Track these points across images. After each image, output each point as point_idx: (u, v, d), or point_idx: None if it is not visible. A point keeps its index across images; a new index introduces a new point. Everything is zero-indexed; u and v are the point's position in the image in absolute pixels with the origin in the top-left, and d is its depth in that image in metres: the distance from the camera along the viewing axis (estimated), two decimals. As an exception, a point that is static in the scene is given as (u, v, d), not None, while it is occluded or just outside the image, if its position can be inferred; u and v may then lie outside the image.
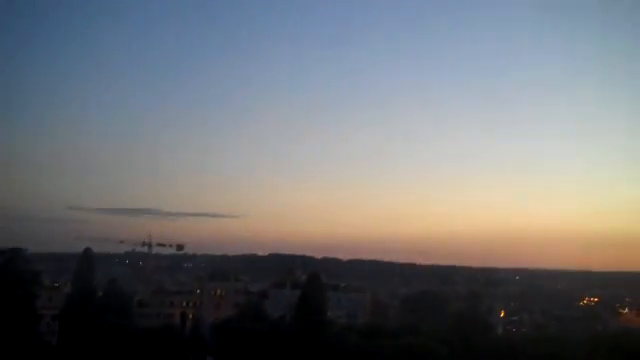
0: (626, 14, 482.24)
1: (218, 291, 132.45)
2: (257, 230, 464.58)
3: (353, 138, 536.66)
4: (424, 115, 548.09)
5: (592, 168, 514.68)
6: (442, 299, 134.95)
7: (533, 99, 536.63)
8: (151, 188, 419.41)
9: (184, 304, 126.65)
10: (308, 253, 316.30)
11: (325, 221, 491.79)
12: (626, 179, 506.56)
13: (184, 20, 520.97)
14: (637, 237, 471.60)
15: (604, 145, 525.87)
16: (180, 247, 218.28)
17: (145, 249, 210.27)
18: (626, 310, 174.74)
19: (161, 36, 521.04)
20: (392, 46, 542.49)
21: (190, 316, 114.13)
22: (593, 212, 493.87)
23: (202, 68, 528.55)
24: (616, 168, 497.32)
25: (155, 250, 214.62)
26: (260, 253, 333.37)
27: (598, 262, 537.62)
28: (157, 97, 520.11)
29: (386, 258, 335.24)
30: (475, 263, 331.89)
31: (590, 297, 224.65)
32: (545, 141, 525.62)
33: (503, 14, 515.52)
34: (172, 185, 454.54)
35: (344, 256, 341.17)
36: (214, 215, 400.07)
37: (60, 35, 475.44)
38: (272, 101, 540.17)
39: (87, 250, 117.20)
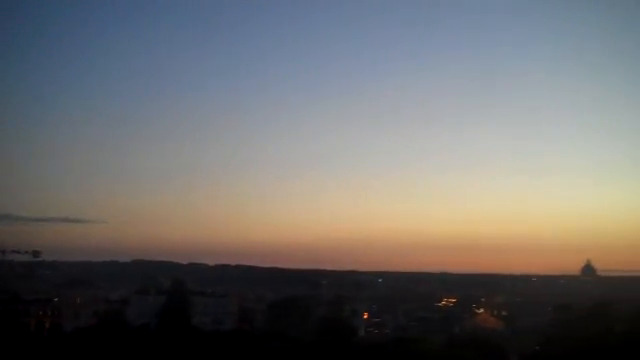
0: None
1: (77, 299, 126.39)
2: (120, 236, 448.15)
3: (213, 143, 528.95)
4: (280, 119, 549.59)
5: (444, 172, 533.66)
6: (308, 303, 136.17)
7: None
8: (5, 192, 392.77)
9: (40, 313, 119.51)
10: (174, 259, 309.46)
11: (191, 226, 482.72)
12: (478, 183, 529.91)
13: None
14: (490, 240, 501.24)
15: (455, 145, 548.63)
16: (37, 254, 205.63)
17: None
18: (482, 310, 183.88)
19: None
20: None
21: (47, 326, 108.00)
22: (448, 216, 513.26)
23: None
24: (471, 173, 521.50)
25: (9, 257, 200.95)
26: (123, 259, 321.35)
27: (455, 265, 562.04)
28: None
29: (253, 263, 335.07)
30: (341, 267, 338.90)
31: (449, 298, 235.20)
32: (404, 142, 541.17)
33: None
34: (30, 190, 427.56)
35: (211, 261, 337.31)
36: (75, 221, 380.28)
37: None
38: (133, 104, 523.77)
39: None
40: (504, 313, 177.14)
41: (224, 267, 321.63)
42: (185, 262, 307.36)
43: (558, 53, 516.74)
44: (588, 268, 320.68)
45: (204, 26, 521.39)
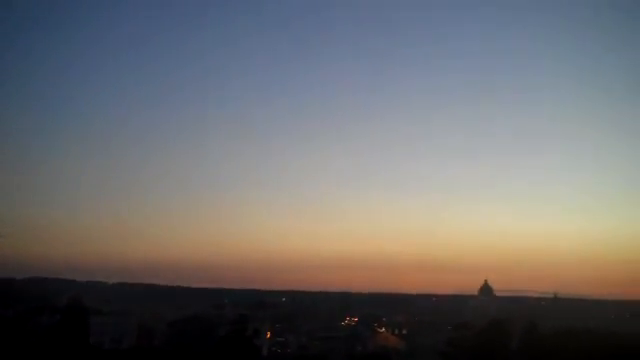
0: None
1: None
2: (15, 252, 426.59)
3: (114, 158, 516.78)
4: (179, 139, 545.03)
5: (346, 190, 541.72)
6: (211, 322, 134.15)
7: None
8: None
9: None
10: (70, 276, 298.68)
11: (90, 243, 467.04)
12: (379, 202, 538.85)
13: None
14: (392, 259, 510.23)
15: (356, 163, 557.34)
16: None
17: None
18: (383, 329, 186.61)
19: None
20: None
21: None
22: (350, 235, 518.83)
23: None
24: (373, 191, 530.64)
25: None
26: (18, 277, 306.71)
27: (357, 284, 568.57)
28: None
29: (154, 281, 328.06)
30: (244, 285, 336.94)
31: (351, 317, 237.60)
32: (306, 161, 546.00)
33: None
34: None
35: (109, 279, 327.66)
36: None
37: None
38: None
39: None
40: (404, 332, 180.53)
41: (123, 285, 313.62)
42: (83, 280, 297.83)
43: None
44: (486, 288, 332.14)
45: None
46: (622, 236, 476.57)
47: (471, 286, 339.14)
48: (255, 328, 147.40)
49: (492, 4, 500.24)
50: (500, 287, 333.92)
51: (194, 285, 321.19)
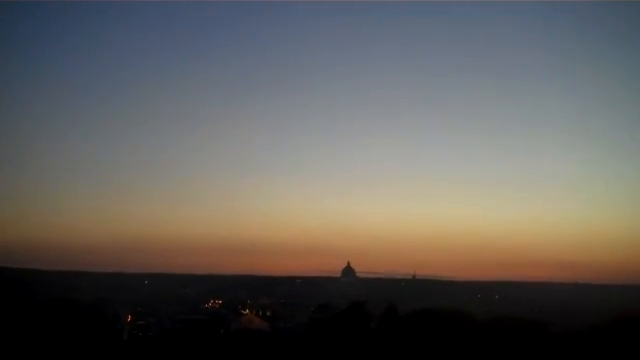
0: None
1: None
2: None
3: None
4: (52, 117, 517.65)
5: (210, 173, 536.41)
6: (67, 306, 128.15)
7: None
8: None
9: None
10: None
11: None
12: (241, 186, 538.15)
13: None
14: (255, 242, 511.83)
15: (224, 146, 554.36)
16: None
17: None
18: (247, 311, 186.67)
19: None
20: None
21: None
22: (214, 218, 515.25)
23: None
24: (235, 175, 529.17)
25: None
26: None
27: (221, 266, 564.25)
28: None
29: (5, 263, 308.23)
30: (103, 268, 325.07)
31: (215, 300, 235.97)
32: (170, 142, 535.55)
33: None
34: None
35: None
36: None
37: None
38: None
39: None
40: (269, 314, 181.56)
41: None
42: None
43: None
44: (348, 270, 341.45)
45: None
46: (476, 222, 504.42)
47: (334, 268, 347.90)
48: (115, 312, 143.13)
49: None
50: (362, 269, 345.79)
51: (46, 268, 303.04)
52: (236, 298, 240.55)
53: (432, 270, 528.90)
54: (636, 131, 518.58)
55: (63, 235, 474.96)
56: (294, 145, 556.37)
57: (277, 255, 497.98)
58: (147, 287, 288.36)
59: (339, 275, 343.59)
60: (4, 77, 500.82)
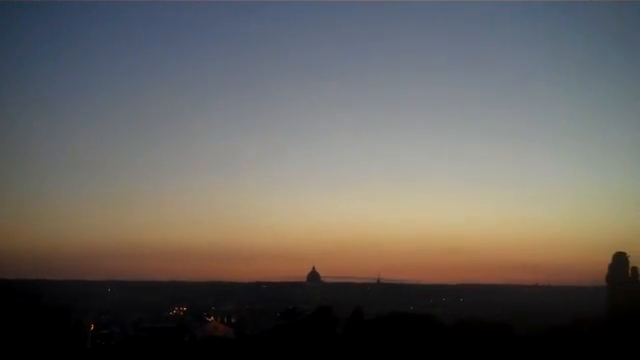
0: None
1: None
2: None
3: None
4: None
5: (167, 177, 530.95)
6: (29, 314, 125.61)
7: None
8: None
9: None
10: None
11: None
12: (204, 189, 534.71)
13: None
14: (221, 248, 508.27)
15: (184, 150, 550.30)
16: None
17: None
18: (212, 318, 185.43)
19: None
20: None
21: None
22: (174, 223, 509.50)
23: None
24: (193, 178, 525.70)
25: None
26: None
27: (185, 273, 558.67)
28: None
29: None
30: (65, 276, 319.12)
31: (180, 307, 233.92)
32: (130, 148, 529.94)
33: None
34: None
35: None
36: None
37: None
38: None
39: None
40: (234, 320, 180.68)
41: None
42: None
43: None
44: (313, 274, 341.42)
45: None
46: (440, 226, 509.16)
47: (299, 274, 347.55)
48: (77, 320, 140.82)
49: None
50: (327, 274, 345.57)
51: (5, 276, 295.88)
52: (201, 305, 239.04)
53: (397, 274, 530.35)
54: (589, 135, 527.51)
55: (23, 243, 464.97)
56: (258, 150, 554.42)
57: (242, 261, 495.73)
58: (110, 295, 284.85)
59: (304, 280, 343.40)
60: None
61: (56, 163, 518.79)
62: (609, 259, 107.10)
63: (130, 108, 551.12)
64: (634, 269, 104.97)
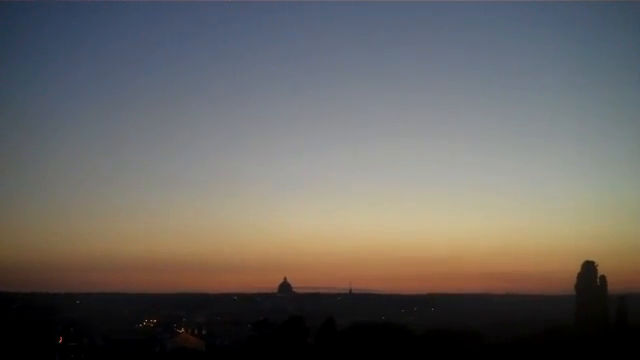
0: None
1: None
2: None
3: None
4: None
5: (142, 189, 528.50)
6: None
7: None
8: None
9: None
10: None
11: None
12: (178, 202, 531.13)
13: None
14: (191, 260, 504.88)
15: (152, 163, 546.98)
16: None
17: None
18: (182, 330, 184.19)
19: None
20: None
21: None
22: (147, 234, 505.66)
23: None
24: (170, 191, 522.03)
25: None
26: None
27: (155, 284, 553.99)
28: None
29: None
30: (32, 289, 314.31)
31: (150, 319, 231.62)
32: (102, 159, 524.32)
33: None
34: None
35: None
36: None
37: None
38: None
39: None
40: (204, 332, 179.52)
41: None
42: None
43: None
44: (285, 285, 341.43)
45: None
46: (410, 235, 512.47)
47: (271, 285, 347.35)
48: (46, 333, 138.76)
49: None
50: (298, 284, 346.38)
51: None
52: (171, 316, 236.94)
53: (368, 284, 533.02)
54: (557, 147, 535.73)
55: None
56: (229, 161, 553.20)
57: (213, 272, 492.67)
58: (79, 307, 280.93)
59: (276, 291, 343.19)
60: None
61: (27, 177, 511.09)
62: (578, 268, 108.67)
63: (114, 123, 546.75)
64: (602, 278, 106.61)
